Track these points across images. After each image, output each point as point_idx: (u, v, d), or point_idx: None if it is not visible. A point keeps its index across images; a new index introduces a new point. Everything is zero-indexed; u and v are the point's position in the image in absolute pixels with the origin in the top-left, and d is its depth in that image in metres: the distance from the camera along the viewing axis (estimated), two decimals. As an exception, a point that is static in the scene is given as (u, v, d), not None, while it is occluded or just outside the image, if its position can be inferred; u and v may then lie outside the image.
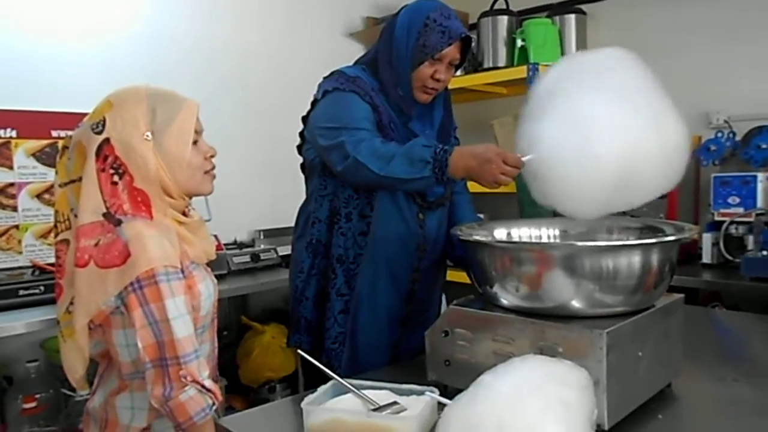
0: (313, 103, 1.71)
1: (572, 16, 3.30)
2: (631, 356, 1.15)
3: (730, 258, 2.56)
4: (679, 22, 3.10)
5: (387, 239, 1.65)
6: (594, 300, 1.15)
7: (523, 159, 1.31)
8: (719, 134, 2.75)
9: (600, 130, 1.20)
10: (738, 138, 2.72)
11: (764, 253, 2.38)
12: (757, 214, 2.47)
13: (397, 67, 1.61)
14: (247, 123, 3.19)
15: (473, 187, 1.74)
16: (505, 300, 1.25)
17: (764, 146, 2.61)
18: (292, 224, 1.78)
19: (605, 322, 1.13)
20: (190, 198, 1.33)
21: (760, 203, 2.53)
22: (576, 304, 1.16)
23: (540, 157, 1.26)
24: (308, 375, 1.77)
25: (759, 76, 2.86)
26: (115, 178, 1.20)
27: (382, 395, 1.18)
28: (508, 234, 1.44)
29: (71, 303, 1.24)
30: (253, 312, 3.03)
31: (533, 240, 1.42)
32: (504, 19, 3.32)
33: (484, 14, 3.34)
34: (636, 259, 1.15)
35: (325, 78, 1.71)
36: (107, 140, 1.21)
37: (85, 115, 1.28)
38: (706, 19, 3.02)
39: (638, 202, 1.27)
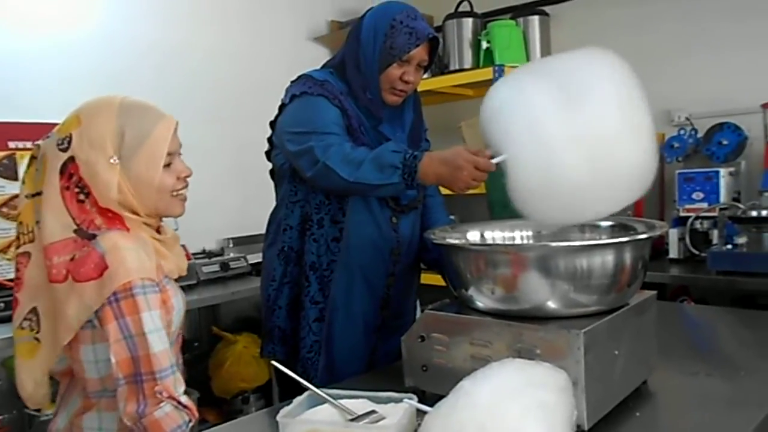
0: (281, 108, 1.68)
1: (536, 18, 3.34)
2: (608, 355, 1.15)
3: (696, 252, 2.61)
4: (641, 23, 3.16)
5: (361, 245, 1.63)
6: (569, 300, 1.15)
7: (494, 161, 1.29)
8: (682, 131, 2.81)
9: (565, 139, 1.17)
10: (700, 135, 2.77)
11: (729, 246, 2.44)
12: (721, 209, 2.52)
13: (365, 70, 1.60)
14: (212, 128, 3.13)
15: (443, 188, 1.74)
16: (481, 303, 1.24)
17: (725, 142, 2.67)
18: (262, 231, 1.75)
19: (581, 321, 1.13)
20: (160, 219, 1.31)
21: (723, 198, 2.59)
22: (552, 304, 1.16)
23: (510, 157, 1.23)
24: (283, 385, 1.74)
25: (717, 75, 2.93)
26: (81, 196, 1.18)
27: (359, 404, 1.16)
28: (482, 236, 1.44)
29: (25, 318, 1.20)
30: (224, 322, 2.98)
31: (507, 241, 1.42)
32: (469, 22, 3.33)
33: (449, 17, 3.36)
34: (610, 258, 1.15)
35: (292, 82, 1.69)
36: (72, 159, 1.17)
37: (43, 125, 1.24)
38: (667, 20, 3.08)
39: (608, 210, 1.24)
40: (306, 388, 1.20)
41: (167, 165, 1.23)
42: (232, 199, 3.22)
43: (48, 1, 2.70)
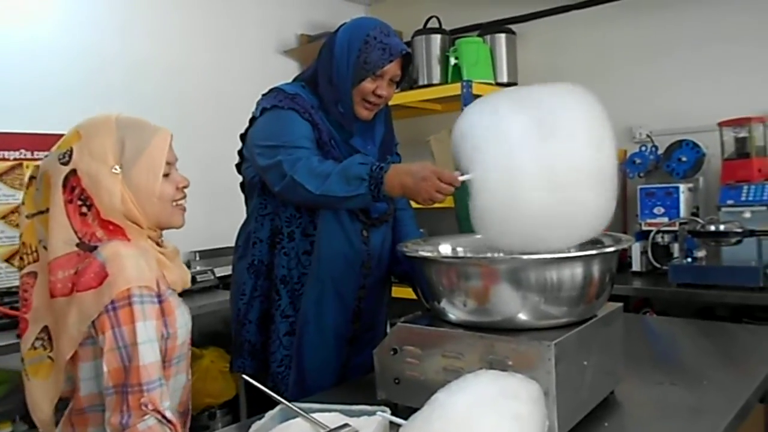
0: (252, 121, 1.68)
1: (502, 36, 3.41)
2: (578, 366, 1.17)
3: (657, 266, 2.68)
4: (603, 43, 3.26)
5: (332, 258, 1.64)
6: (540, 312, 1.17)
7: (460, 178, 1.30)
8: (643, 148, 2.89)
9: (533, 170, 1.17)
10: (660, 151, 2.86)
11: (689, 260, 2.51)
12: (681, 223, 2.60)
13: (338, 83, 1.61)
14: (179, 140, 3.07)
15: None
16: (453, 315, 1.25)
17: (684, 159, 2.76)
18: (229, 244, 1.74)
19: (552, 333, 1.15)
20: (162, 230, 1.30)
21: (683, 213, 2.67)
22: (523, 316, 1.18)
23: (477, 177, 1.24)
24: (253, 400, 1.72)
25: (676, 94, 3.04)
26: (84, 209, 1.18)
27: (332, 418, 1.16)
28: (454, 249, 1.45)
29: (37, 338, 1.20)
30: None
31: (478, 254, 1.44)
32: (437, 38, 3.38)
33: (418, 33, 3.41)
34: (579, 270, 1.18)
35: (263, 95, 1.69)
36: (74, 171, 1.18)
37: (6, 135, 1.22)
38: (628, 41, 3.19)
39: (565, 244, 1.23)
40: (277, 402, 1.20)
41: (166, 175, 1.25)
42: (199, 212, 3.14)
43: (6, 12, 2.65)
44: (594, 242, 1.35)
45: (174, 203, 1.28)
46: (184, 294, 2.62)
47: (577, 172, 1.17)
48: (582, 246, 1.36)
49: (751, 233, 2.35)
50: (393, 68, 1.62)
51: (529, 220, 1.18)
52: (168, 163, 1.25)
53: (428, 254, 1.31)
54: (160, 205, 1.24)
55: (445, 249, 1.44)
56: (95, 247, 1.16)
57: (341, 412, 1.18)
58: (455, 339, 1.20)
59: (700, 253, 2.49)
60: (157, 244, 1.28)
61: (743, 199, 2.54)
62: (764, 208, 2.48)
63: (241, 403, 2.70)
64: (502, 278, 1.17)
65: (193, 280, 2.72)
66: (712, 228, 2.43)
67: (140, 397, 1.09)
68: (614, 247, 1.23)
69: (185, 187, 1.31)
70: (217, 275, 2.84)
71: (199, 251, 3.09)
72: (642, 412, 1.31)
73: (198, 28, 3.31)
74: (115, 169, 1.19)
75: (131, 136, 1.22)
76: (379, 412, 1.15)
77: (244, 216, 1.79)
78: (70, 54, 2.79)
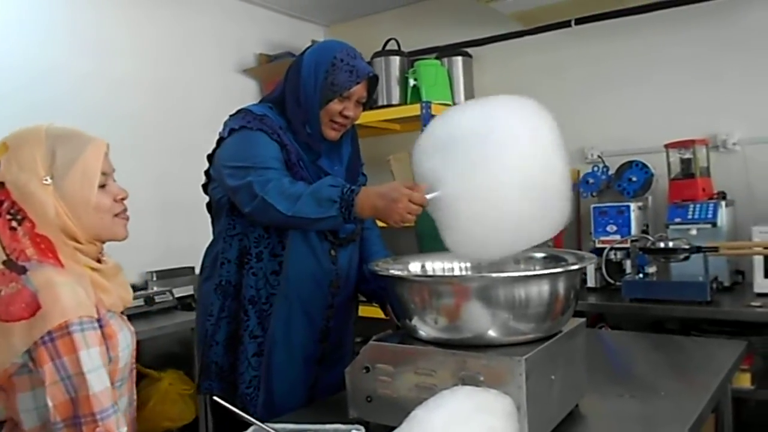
0: (219, 142, 1.68)
1: (459, 59, 3.50)
2: (546, 380, 1.21)
3: (611, 281, 2.77)
4: (556, 67, 3.38)
5: (300, 277, 1.64)
6: (510, 328, 1.21)
7: (428, 197, 1.33)
8: (595, 168, 3.00)
9: (502, 169, 1.23)
10: (611, 172, 2.98)
11: (641, 276, 2.61)
12: (632, 241, 2.70)
13: (305, 104, 1.63)
14: (135, 160, 3.02)
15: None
16: (425, 332, 1.27)
17: (634, 179, 2.88)
18: (187, 264, 1.72)
19: (521, 349, 1.18)
20: (103, 243, 1.26)
21: (634, 230, 2.78)
22: (493, 333, 1.21)
23: (445, 194, 1.28)
24: (220, 423, 1.70)
25: (626, 116, 3.18)
26: (14, 223, 1.13)
27: (307, 437, 1.16)
28: (423, 267, 1.48)
29: None
30: (146, 358, 2.85)
31: (447, 273, 1.47)
32: (396, 60, 3.45)
33: (377, 54, 3.46)
34: (546, 287, 1.22)
35: (231, 116, 1.69)
36: (2, 184, 1.13)
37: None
38: (579, 65, 3.32)
39: (531, 243, 1.30)
40: (248, 424, 1.19)
41: (102, 186, 1.21)
42: (155, 231, 3.13)
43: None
44: (558, 260, 1.41)
45: (114, 215, 1.24)
46: (141, 316, 2.61)
47: (539, 180, 1.24)
48: (547, 264, 1.41)
49: (698, 249, 2.46)
50: (360, 90, 1.65)
51: (501, 227, 1.23)
52: (104, 174, 1.21)
53: (399, 273, 1.34)
54: (97, 216, 1.19)
55: (414, 267, 1.47)
56: (24, 269, 1.10)
57: (315, 431, 1.19)
58: (427, 356, 1.23)
59: (651, 269, 2.60)
60: (98, 260, 1.23)
61: (689, 217, 2.66)
62: (709, 225, 2.61)
63: (200, 426, 2.65)
64: (473, 296, 1.20)
65: (151, 300, 2.67)
66: (662, 245, 2.53)
67: (95, 427, 1.06)
68: (579, 265, 1.28)
69: (124, 198, 1.26)
70: (176, 296, 2.79)
71: (156, 271, 3.03)
72: (606, 424, 1.36)
73: (154, 45, 3.27)
74: (46, 180, 1.14)
75: (63, 145, 1.17)
76: (353, 430, 1.15)
77: (203, 235, 1.78)
78: (17, 67, 2.71)
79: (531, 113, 1.31)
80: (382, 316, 1.86)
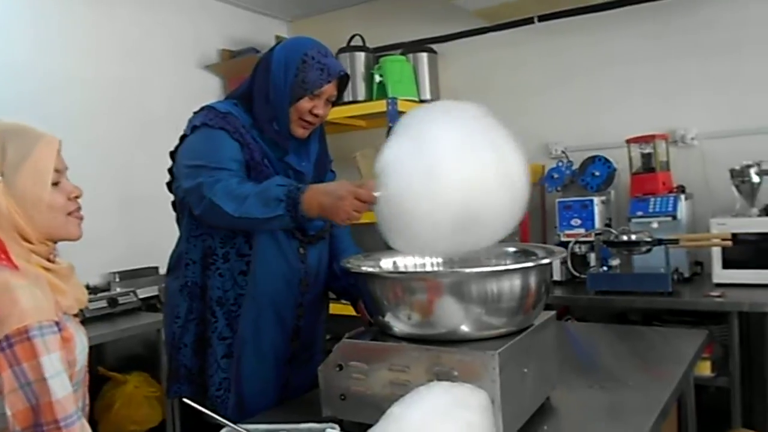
0: (182, 139, 1.64)
1: (424, 55, 3.51)
2: (519, 373, 1.22)
3: (576, 274, 2.82)
4: (520, 64, 3.42)
5: (269, 277, 1.62)
6: (482, 323, 1.22)
7: (376, 194, 1.32)
8: (560, 163, 3.05)
9: (443, 165, 1.22)
10: (575, 167, 3.02)
11: (605, 268, 2.66)
12: (596, 234, 2.76)
13: (274, 101, 1.61)
14: (95, 158, 2.97)
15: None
16: (398, 329, 1.27)
17: (597, 173, 2.93)
18: (151, 264, 1.69)
19: (494, 343, 1.19)
20: (55, 243, 1.22)
21: (597, 224, 2.84)
22: (466, 328, 1.22)
23: (391, 192, 1.27)
24: (190, 426, 1.67)
25: (588, 112, 3.24)
26: None
27: (281, 437, 1.15)
28: (395, 264, 1.47)
29: None
30: (110, 361, 2.80)
31: (418, 268, 1.47)
32: (361, 56, 3.44)
33: (342, 50, 3.44)
34: (518, 282, 1.23)
35: (195, 113, 1.66)
36: None
37: None
38: (544, 62, 3.37)
39: (486, 241, 1.29)
40: (218, 427, 1.17)
41: (55, 184, 1.17)
42: (117, 231, 3.06)
43: None
44: (529, 254, 1.42)
45: (67, 214, 1.20)
46: (104, 318, 2.55)
47: (487, 181, 1.23)
48: (518, 258, 1.43)
49: (659, 242, 2.52)
50: (330, 88, 1.63)
51: (435, 233, 1.23)
52: (57, 171, 1.17)
53: (372, 270, 1.33)
54: (50, 214, 1.15)
55: (386, 264, 1.46)
56: None
57: (288, 431, 1.18)
58: (401, 352, 1.22)
59: (615, 262, 2.65)
60: (49, 260, 1.19)
61: (651, 210, 2.72)
62: (670, 218, 2.68)
63: (167, 430, 2.60)
64: (446, 291, 1.20)
65: (115, 302, 2.61)
66: (625, 238, 2.59)
67: None
68: (549, 259, 1.29)
69: (78, 196, 1.22)
70: (140, 297, 2.73)
71: (119, 272, 2.96)
72: (577, 415, 1.38)
73: (114, 40, 3.20)
74: None
75: (13, 141, 1.13)
76: (328, 429, 1.15)
77: (167, 234, 1.75)
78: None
79: (486, 121, 1.29)
80: (353, 313, 1.85)
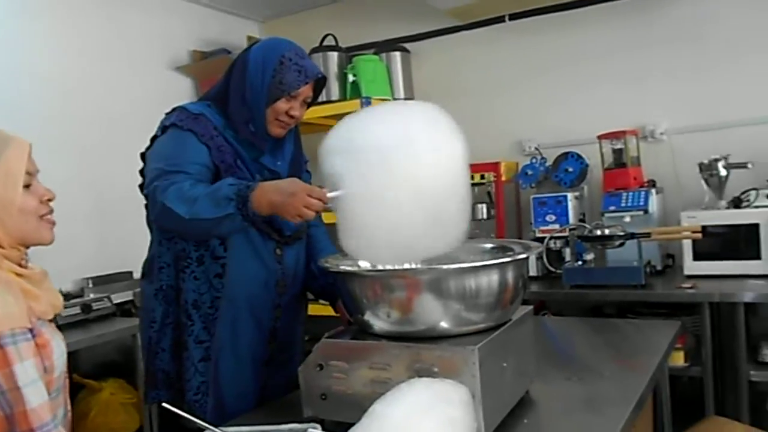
0: (153, 140, 1.63)
1: (397, 54, 3.52)
2: (498, 368, 1.23)
3: (552, 270, 2.85)
4: (492, 62, 3.45)
5: (245, 279, 1.61)
6: (461, 319, 1.23)
7: (329, 195, 1.31)
8: (533, 160, 3.08)
9: (403, 176, 1.21)
10: (548, 163, 3.06)
11: (579, 263, 2.70)
12: (571, 229, 2.79)
13: (251, 102, 1.59)
14: (65, 161, 2.90)
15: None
16: (378, 327, 1.28)
17: (570, 170, 2.97)
18: (125, 269, 1.67)
19: (473, 338, 1.20)
20: (27, 247, 1.19)
21: (571, 219, 2.87)
22: (445, 324, 1.22)
23: (345, 193, 1.26)
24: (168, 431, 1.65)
25: (560, 109, 3.28)
26: None
27: (262, 439, 1.15)
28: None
29: None
30: (84, 368, 2.74)
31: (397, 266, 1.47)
32: (334, 55, 3.43)
33: (314, 50, 3.43)
34: (495, 277, 1.24)
35: (166, 114, 1.64)
36: None
37: None
38: (515, 60, 3.40)
39: (427, 254, 1.27)
40: (203, 429, 1.16)
41: (27, 186, 1.15)
42: (90, 236, 3.01)
43: None
44: (505, 249, 1.43)
45: (39, 217, 1.18)
46: (78, 325, 2.50)
47: (443, 186, 1.24)
48: (495, 254, 1.44)
49: (632, 236, 2.56)
50: (307, 90, 1.63)
51: (388, 234, 1.23)
52: (28, 174, 1.15)
53: (351, 268, 1.33)
54: (22, 218, 1.14)
55: (364, 263, 1.46)
56: None
57: (270, 432, 1.17)
58: (381, 350, 1.23)
59: (589, 256, 2.69)
60: (20, 265, 1.17)
61: (623, 205, 2.77)
62: (641, 212, 2.72)
63: (146, 436, 2.57)
64: (425, 288, 1.21)
65: (89, 308, 2.57)
66: (598, 232, 2.63)
67: None
68: (526, 254, 1.31)
69: (50, 200, 1.21)
70: (115, 302, 2.69)
71: (93, 278, 2.91)
72: (556, 407, 1.40)
73: (82, 41, 3.14)
74: None
75: None
76: (310, 429, 1.15)
77: (141, 238, 1.72)
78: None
79: (439, 123, 1.28)
80: (332, 314, 1.85)
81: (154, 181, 1.48)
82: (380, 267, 1.27)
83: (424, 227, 1.23)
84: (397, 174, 1.21)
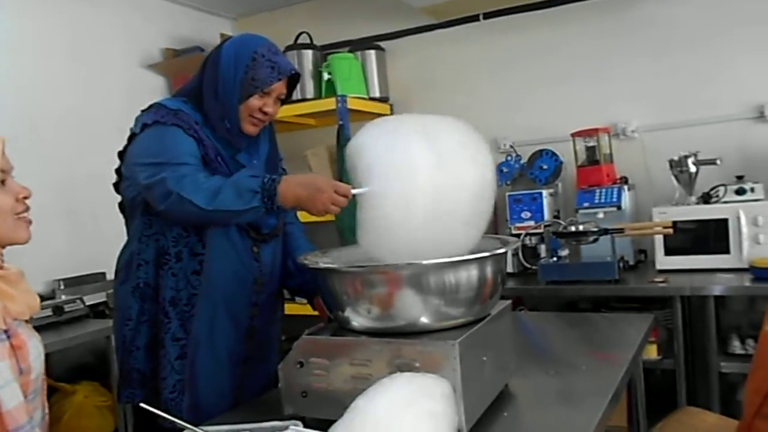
0: (131, 138, 1.60)
1: (372, 52, 3.52)
2: (478, 362, 1.24)
3: (528, 266, 2.88)
4: (467, 60, 3.47)
5: (222, 276, 1.60)
6: (441, 313, 1.23)
7: (354, 191, 1.33)
8: (509, 158, 3.11)
9: (419, 169, 1.24)
10: (523, 161, 3.09)
11: (555, 259, 2.73)
12: (546, 226, 2.82)
13: (224, 99, 1.58)
14: (35, 161, 2.80)
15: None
16: (358, 323, 1.27)
17: (545, 167, 3.00)
18: (98, 270, 1.64)
19: (453, 333, 1.21)
20: (3, 247, 1.17)
21: (546, 216, 2.90)
22: (425, 319, 1.23)
23: (371, 191, 1.28)
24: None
25: (534, 107, 3.31)
26: None
27: (244, 437, 1.14)
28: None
29: None
30: (57, 371, 2.69)
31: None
32: (309, 53, 3.42)
33: (289, 48, 3.41)
34: (475, 272, 1.25)
35: (143, 111, 1.62)
36: None
37: None
38: (490, 58, 3.42)
39: (456, 249, 1.27)
40: (182, 428, 1.15)
41: (2, 183, 1.13)
42: (60, 237, 2.95)
43: None
44: (483, 245, 1.44)
45: (15, 216, 1.15)
46: (49, 327, 2.45)
47: (464, 194, 1.27)
48: (473, 249, 1.45)
49: (605, 231, 2.60)
50: (280, 86, 1.63)
51: (409, 237, 1.24)
52: (2, 171, 1.14)
53: (331, 265, 1.33)
54: None
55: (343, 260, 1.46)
56: None
57: (251, 431, 1.16)
58: (362, 346, 1.22)
59: (564, 252, 2.72)
60: None
61: (596, 201, 2.81)
62: (614, 208, 2.77)
63: (121, 438, 2.53)
64: (405, 284, 1.21)
65: (61, 310, 2.52)
66: (573, 229, 2.66)
67: None
68: (504, 248, 1.32)
69: (26, 197, 1.18)
70: (87, 303, 2.64)
71: (64, 279, 2.85)
72: (535, 400, 1.41)
73: (53, 39, 3.07)
74: None
75: None
76: (291, 427, 1.14)
77: (114, 239, 1.70)
78: None
79: (464, 131, 1.34)
80: (309, 313, 1.84)
81: (158, 174, 1.46)
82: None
83: (445, 235, 1.25)
84: (425, 180, 1.23)
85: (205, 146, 1.56)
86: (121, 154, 1.64)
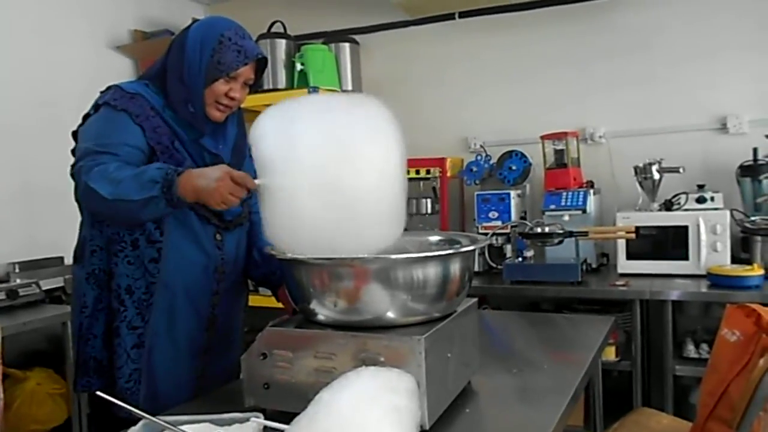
0: (85, 118, 1.56)
1: (346, 45, 3.50)
2: (443, 358, 1.24)
3: (493, 265, 2.90)
4: (440, 58, 3.48)
5: (182, 264, 1.56)
6: (408, 309, 1.23)
7: (256, 182, 1.30)
8: (478, 157, 3.12)
9: (327, 181, 1.21)
10: (493, 161, 3.11)
11: (520, 259, 2.76)
12: (512, 226, 2.85)
13: (189, 82, 1.54)
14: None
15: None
16: (323, 316, 1.26)
17: (514, 168, 3.03)
18: (55, 254, 1.59)
19: (419, 329, 1.20)
20: None
21: (513, 217, 2.93)
22: (392, 314, 1.22)
23: (271, 183, 1.25)
24: (98, 423, 1.58)
25: (506, 108, 3.35)
26: None
27: (202, 429, 1.11)
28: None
29: None
30: (10, 357, 2.59)
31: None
32: (282, 43, 3.38)
33: (263, 36, 3.37)
34: (442, 268, 1.25)
35: (101, 92, 1.57)
36: None
37: None
38: (462, 57, 3.44)
39: (362, 249, 1.23)
40: (130, 422, 1.12)
41: None
42: (16, 219, 2.87)
43: None
44: (453, 242, 1.44)
45: None
46: (3, 311, 2.37)
47: (364, 190, 1.23)
48: (443, 246, 1.45)
49: (570, 234, 2.64)
50: (247, 71, 1.59)
51: (313, 229, 1.23)
52: None
53: (298, 256, 1.31)
54: None
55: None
56: None
57: (211, 422, 1.14)
58: (327, 339, 1.21)
59: (529, 253, 2.75)
60: None
61: (563, 204, 2.84)
62: (580, 212, 2.80)
63: (74, 428, 2.46)
64: (372, 278, 1.20)
65: (15, 294, 2.44)
66: (539, 230, 2.69)
67: None
68: (473, 246, 1.32)
69: None
70: (43, 288, 2.56)
71: (20, 262, 2.76)
72: (497, 397, 1.42)
73: (17, 18, 2.97)
74: None
75: None
76: (253, 418, 1.12)
77: (73, 222, 1.65)
78: None
79: (371, 116, 1.27)
80: (272, 305, 1.82)
81: (79, 161, 1.43)
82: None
83: (348, 228, 1.22)
84: (326, 174, 1.20)
85: (158, 134, 1.52)
86: (75, 135, 1.59)
